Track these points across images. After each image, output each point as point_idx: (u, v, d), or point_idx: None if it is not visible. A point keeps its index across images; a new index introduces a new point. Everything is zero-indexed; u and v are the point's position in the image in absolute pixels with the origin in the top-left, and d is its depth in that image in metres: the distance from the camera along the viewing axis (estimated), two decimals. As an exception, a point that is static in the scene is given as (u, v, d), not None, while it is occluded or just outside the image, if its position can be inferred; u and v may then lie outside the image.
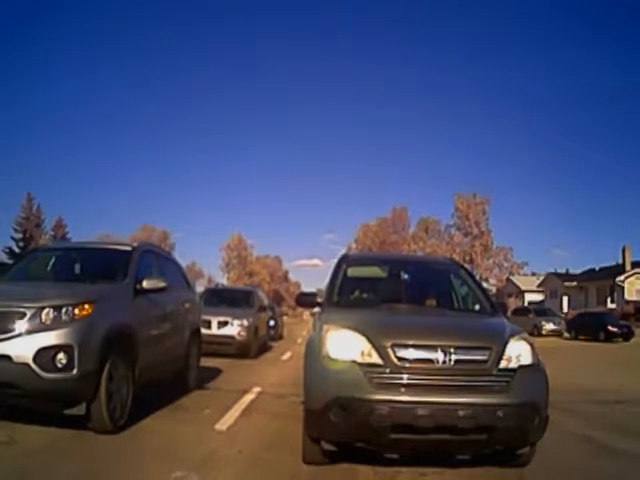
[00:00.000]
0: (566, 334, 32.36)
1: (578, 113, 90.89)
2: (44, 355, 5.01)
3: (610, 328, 28.66)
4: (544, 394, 4.45)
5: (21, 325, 5.08)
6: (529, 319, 34.53)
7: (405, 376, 4.16)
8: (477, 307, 5.85)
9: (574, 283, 50.86)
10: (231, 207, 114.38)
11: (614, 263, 48.64)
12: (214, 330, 14.11)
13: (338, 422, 4.12)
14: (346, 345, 4.32)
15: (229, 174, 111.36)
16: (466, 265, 59.41)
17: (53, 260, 7.32)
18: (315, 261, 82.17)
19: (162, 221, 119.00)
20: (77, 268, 7.12)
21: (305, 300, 6.18)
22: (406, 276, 6.40)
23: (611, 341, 28.01)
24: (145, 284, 6.46)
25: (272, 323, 20.80)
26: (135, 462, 4.65)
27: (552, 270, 57.10)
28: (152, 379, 6.61)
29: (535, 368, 4.49)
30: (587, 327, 30.40)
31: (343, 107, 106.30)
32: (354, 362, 4.23)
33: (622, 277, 44.08)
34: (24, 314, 5.12)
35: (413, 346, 4.26)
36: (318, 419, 4.27)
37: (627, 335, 28.52)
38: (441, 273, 6.62)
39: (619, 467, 5.16)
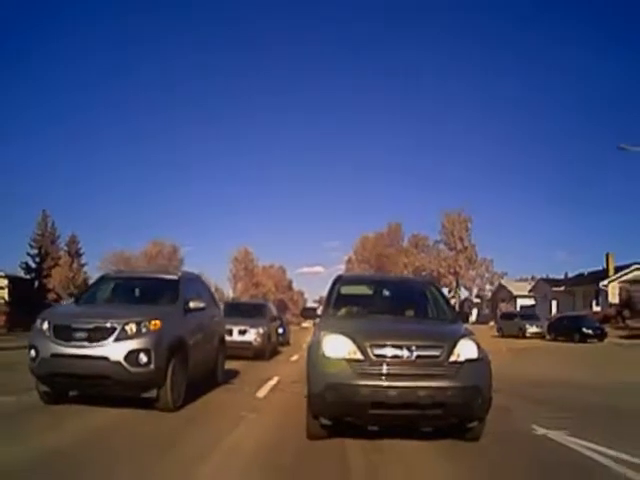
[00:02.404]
0: (547, 336, 35.34)
1: (560, 122, 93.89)
2: (131, 356, 7.21)
3: (584, 330, 31.67)
4: (487, 380, 5.71)
5: (113, 335, 7.26)
6: (514, 322, 38.10)
7: (380, 367, 5.47)
8: (443, 316, 7.24)
9: (562, 288, 53.97)
10: (235, 216, 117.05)
11: (600, 268, 51.49)
12: (235, 337, 16.76)
13: (332, 401, 5.47)
14: (337, 346, 5.64)
15: (232, 183, 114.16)
16: (451, 277, 63.29)
17: (117, 286, 9.49)
18: (317, 268, 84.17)
19: (168, 232, 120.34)
20: (138, 293, 9.33)
21: (308, 314, 8.27)
22: (387, 293, 7.92)
23: (585, 342, 30.78)
24: (191, 305, 8.67)
25: (281, 331, 23.68)
26: (212, 409, 8.17)
27: (554, 274, 60.70)
28: (197, 374, 8.81)
29: (480, 361, 5.74)
30: (564, 329, 33.50)
31: (344, 118, 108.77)
32: (343, 358, 5.56)
33: (605, 282, 46.99)
34: (115, 328, 7.29)
35: (385, 346, 5.57)
36: (317, 400, 5.64)
37: (600, 336, 31.43)
38: (417, 289, 8.21)
39: (507, 419, 7.62)
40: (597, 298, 48.67)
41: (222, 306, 21.81)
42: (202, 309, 8.96)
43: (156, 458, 5.37)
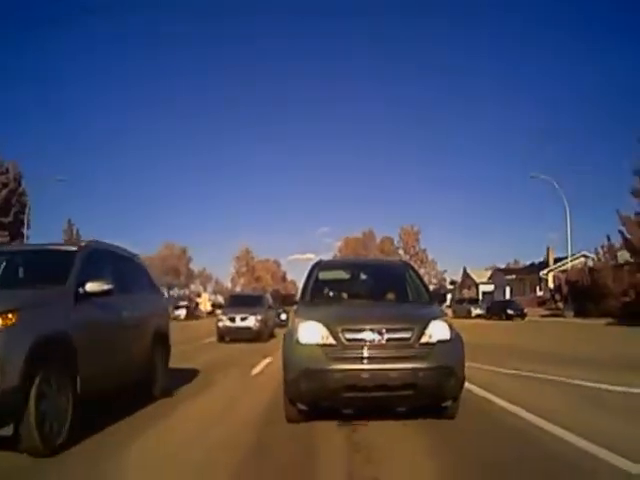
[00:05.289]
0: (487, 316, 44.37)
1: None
2: None
3: (508, 311, 41.08)
4: (459, 361, 5.68)
5: None
6: (464, 306, 47.79)
7: (352, 351, 5.47)
8: (419, 298, 7.13)
9: (513, 276, 62.84)
10: (231, 206, 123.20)
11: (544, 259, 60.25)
12: (238, 323, 19.93)
13: (306, 387, 5.45)
14: (311, 333, 5.63)
15: (227, 174, 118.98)
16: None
17: None
18: (309, 255, 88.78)
19: (177, 234, 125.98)
20: (18, 272, 6.53)
21: (287, 300, 10.11)
22: (365, 277, 7.85)
23: (511, 320, 39.51)
24: (88, 287, 5.73)
25: (284, 317, 26.82)
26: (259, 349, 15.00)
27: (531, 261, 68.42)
28: (102, 390, 5.97)
29: (452, 342, 5.70)
30: (497, 311, 42.78)
31: (335, 108, 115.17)
32: (317, 344, 5.55)
33: (545, 271, 55.91)
34: None
35: (356, 330, 5.58)
36: (293, 385, 5.63)
37: (521, 316, 40.70)
38: (395, 272, 7.99)
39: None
40: (540, 284, 57.59)
41: (227, 298, 26.77)
42: (107, 292, 5.95)
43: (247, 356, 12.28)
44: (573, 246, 46.48)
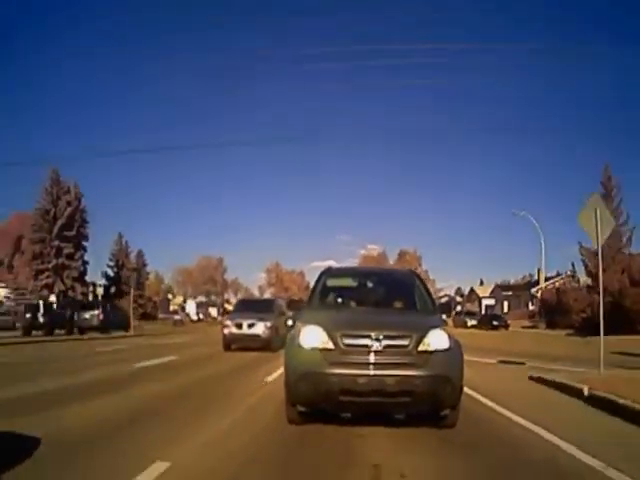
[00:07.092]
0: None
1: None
2: None
3: (494, 322, 47.87)
4: (457, 370, 5.60)
5: None
6: (461, 318, 54.94)
7: (349, 357, 5.43)
8: (424, 307, 7.16)
9: (510, 292, 69.41)
10: (259, 217, 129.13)
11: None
12: (245, 330, 17.60)
13: (305, 389, 5.50)
14: (312, 337, 5.62)
15: (250, 189, 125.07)
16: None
17: None
18: (329, 262, 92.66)
19: (211, 245, 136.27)
20: None
21: (294, 305, 8.44)
22: (371, 285, 7.90)
23: (497, 329, 45.96)
24: None
25: None
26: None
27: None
28: None
29: (451, 351, 5.60)
30: (486, 322, 49.52)
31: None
32: (317, 348, 5.53)
33: (535, 289, 61.29)
34: None
35: (355, 336, 5.52)
36: (293, 387, 5.67)
37: (505, 326, 47.38)
38: (402, 281, 8.11)
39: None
40: (532, 300, 63.94)
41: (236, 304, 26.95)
42: None
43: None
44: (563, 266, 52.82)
